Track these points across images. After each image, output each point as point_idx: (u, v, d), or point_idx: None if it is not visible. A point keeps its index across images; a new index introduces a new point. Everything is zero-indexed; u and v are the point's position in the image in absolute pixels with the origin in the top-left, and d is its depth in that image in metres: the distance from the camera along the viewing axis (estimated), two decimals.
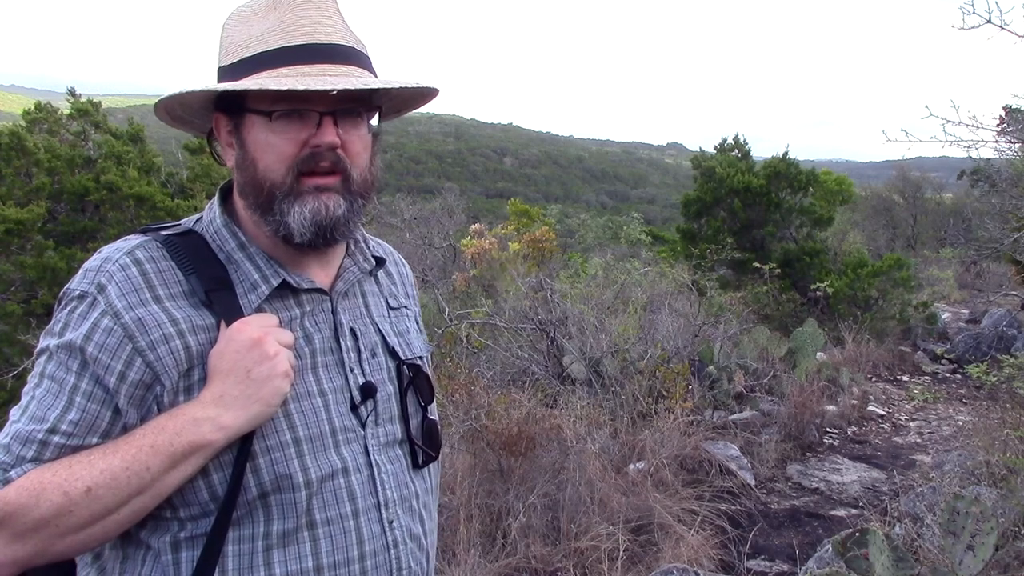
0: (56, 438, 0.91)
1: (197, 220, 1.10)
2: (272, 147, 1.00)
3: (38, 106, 8.11)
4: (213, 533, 0.96)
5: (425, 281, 9.99)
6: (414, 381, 1.16)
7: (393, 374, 1.15)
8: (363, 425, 1.08)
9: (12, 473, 0.89)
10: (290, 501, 0.99)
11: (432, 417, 1.18)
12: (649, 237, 13.90)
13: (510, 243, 9.82)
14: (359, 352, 1.11)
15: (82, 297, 0.97)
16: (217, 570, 0.97)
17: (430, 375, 1.21)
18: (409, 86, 1.05)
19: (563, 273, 8.76)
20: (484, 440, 4.04)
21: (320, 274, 1.10)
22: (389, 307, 1.22)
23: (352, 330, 1.12)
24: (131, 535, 0.98)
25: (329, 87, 0.95)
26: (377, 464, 1.09)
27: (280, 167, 1.00)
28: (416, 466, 1.14)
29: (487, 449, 4.03)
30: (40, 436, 0.91)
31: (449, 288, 9.32)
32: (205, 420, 0.93)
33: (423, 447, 1.15)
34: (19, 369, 6.44)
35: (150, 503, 0.93)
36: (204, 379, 0.97)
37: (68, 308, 0.97)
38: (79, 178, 7.00)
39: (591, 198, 72.25)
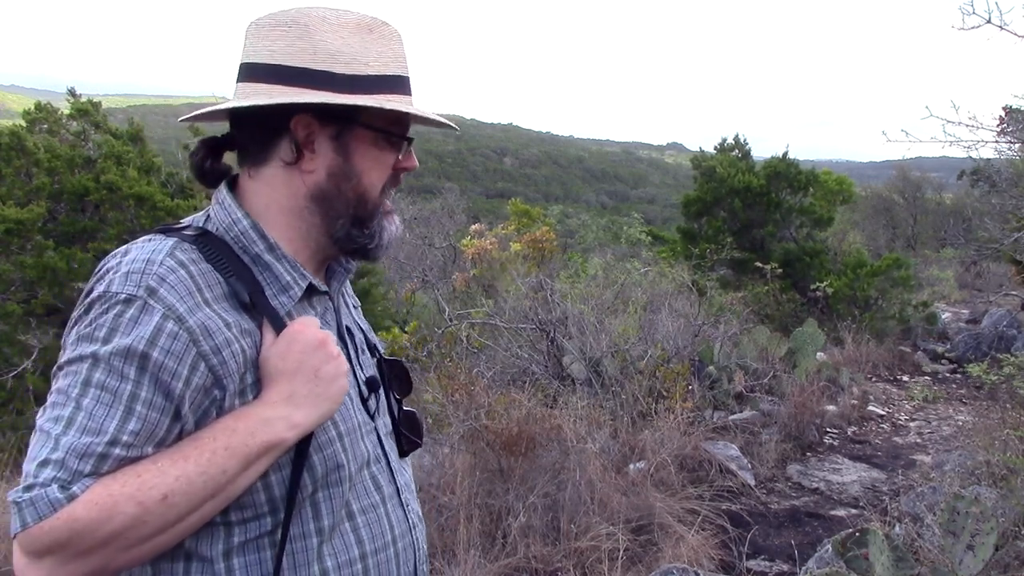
0: (116, 450, 0.86)
1: (206, 220, 1.06)
2: (380, 165, 1.07)
3: (38, 106, 8.12)
4: (282, 534, 0.97)
5: (425, 281, 9.98)
6: (393, 375, 1.22)
7: (375, 369, 1.20)
8: (372, 417, 1.13)
9: (75, 488, 0.83)
10: (338, 495, 1.03)
11: (408, 408, 1.24)
12: (649, 237, 13.89)
13: (510, 243, 9.80)
14: (356, 349, 1.16)
15: (129, 301, 0.91)
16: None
17: (407, 370, 1.26)
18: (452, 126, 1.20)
19: (563, 273, 8.75)
20: (484, 440, 4.04)
21: (318, 277, 1.13)
22: (353, 305, 1.27)
23: (347, 328, 1.16)
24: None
25: (445, 122, 1.11)
26: (388, 453, 1.14)
27: (380, 185, 1.08)
28: (402, 455, 1.20)
29: (487, 449, 4.03)
30: (99, 449, 0.86)
31: (449, 288, 9.31)
32: (277, 419, 0.93)
33: (409, 435, 1.21)
34: (19, 369, 6.43)
35: (219, 507, 0.92)
36: (256, 382, 0.97)
37: (113, 312, 0.91)
38: (79, 178, 7.00)
39: (591, 198, 72.23)
